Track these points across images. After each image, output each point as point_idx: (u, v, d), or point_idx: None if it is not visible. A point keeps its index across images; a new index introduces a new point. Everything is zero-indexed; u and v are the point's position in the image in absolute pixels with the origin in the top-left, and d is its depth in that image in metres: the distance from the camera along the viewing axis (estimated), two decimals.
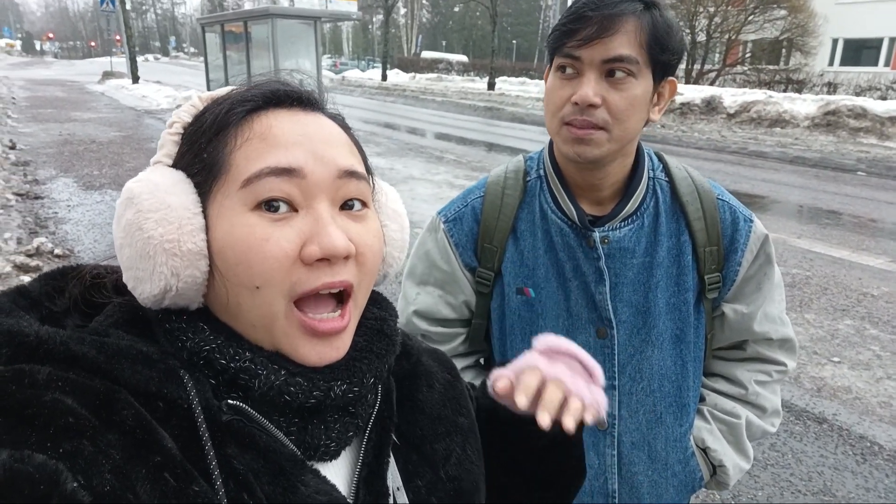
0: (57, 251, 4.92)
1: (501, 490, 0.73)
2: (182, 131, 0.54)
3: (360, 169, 0.54)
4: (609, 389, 1.06)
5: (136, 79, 22.37)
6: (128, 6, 23.90)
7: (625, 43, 0.91)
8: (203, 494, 0.43)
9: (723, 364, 1.15)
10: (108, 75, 26.72)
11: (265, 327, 0.50)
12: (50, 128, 12.09)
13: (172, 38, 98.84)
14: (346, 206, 0.53)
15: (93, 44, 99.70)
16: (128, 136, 11.45)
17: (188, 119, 0.54)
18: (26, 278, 4.17)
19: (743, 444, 1.10)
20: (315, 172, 0.50)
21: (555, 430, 0.63)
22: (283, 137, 0.50)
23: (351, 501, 0.54)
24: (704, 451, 1.09)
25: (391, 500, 0.56)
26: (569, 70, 0.95)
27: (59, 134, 11.31)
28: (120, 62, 29.73)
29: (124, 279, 0.50)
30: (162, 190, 0.49)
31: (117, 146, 10.22)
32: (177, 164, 0.53)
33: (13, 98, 17.65)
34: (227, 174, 0.50)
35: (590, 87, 0.92)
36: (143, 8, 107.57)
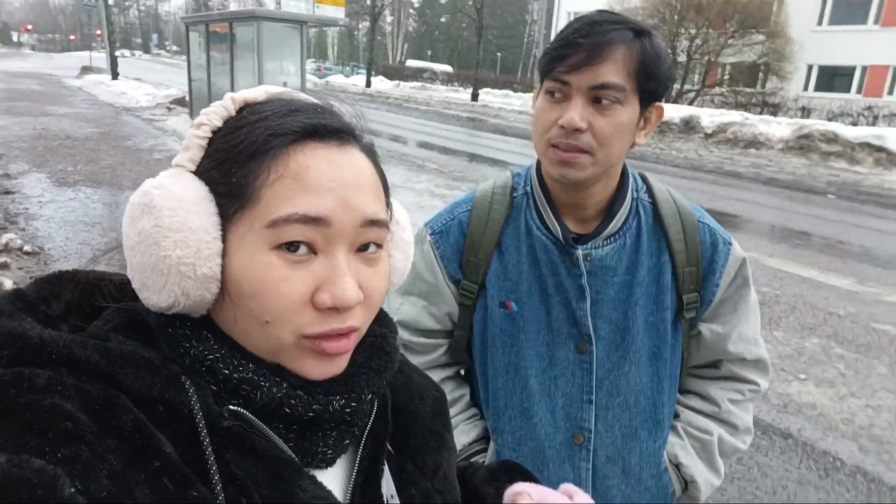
0: (26, 248, 4.81)
1: None
2: (210, 135, 0.52)
3: (384, 216, 0.54)
4: (586, 404, 1.08)
5: (115, 75, 22.04)
6: (110, 1, 23.57)
7: (613, 70, 0.93)
8: (202, 499, 0.43)
9: (698, 382, 1.18)
10: (86, 70, 26.27)
11: (271, 352, 0.51)
12: (24, 121, 11.83)
13: (155, 36, 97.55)
14: (362, 247, 0.53)
15: (72, 37, 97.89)
16: (105, 132, 11.27)
17: (218, 123, 0.52)
18: None
19: (715, 460, 1.13)
20: (342, 221, 0.49)
21: None
22: (318, 182, 0.49)
23: None
24: (677, 466, 1.12)
25: None
26: (557, 94, 0.97)
27: (33, 128, 11.08)
28: (99, 57, 29.25)
29: (129, 276, 0.50)
30: (184, 208, 0.48)
31: (93, 143, 10.05)
32: (201, 174, 0.51)
33: None
34: (255, 208, 0.48)
35: (576, 112, 0.94)
36: (126, 3, 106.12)
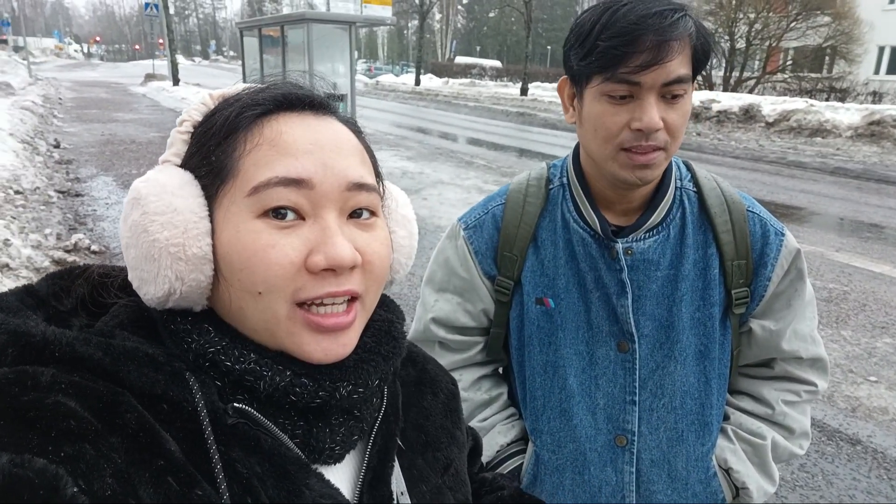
0: (94, 247, 5.06)
1: None
2: (192, 130, 0.53)
3: (370, 180, 0.53)
4: (629, 405, 1.03)
5: (176, 81, 22.97)
6: (171, 10, 24.56)
7: (681, 63, 0.89)
8: (206, 498, 0.43)
9: (749, 382, 1.12)
10: (150, 77, 27.50)
11: (268, 331, 0.49)
12: (93, 128, 12.48)
13: (213, 42, 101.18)
14: (354, 214, 0.52)
15: (137, 47, 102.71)
16: (167, 136, 11.45)
17: (199, 118, 0.54)
18: None
19: (768, 465, 1.06)
20: (324, 183, 0.49)
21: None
22: (294, 145, 0.50)
23: None
24: (727, 471, 1.06)
25: None
26: (623, 95, 0.90)
27: (101, 134, 11.67)
28: (162, 65, 30.55)
29: (129, 278, 0.50)
30: (169, 192, 0.49)
31: (156, 147, 10.49)
32: (185, 164, 0.52)
33: (60, 99, 18.29)
34: (235, 179, 0.49)
35: (654, 113, 0.89)
36: (186, 13, 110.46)
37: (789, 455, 1.07)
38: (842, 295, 4.61)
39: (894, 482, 2.59)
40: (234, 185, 0.49)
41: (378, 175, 0.58)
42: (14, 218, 5.39)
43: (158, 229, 0.47)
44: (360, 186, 0.52)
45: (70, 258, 4.70)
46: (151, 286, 0.49)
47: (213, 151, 0.51)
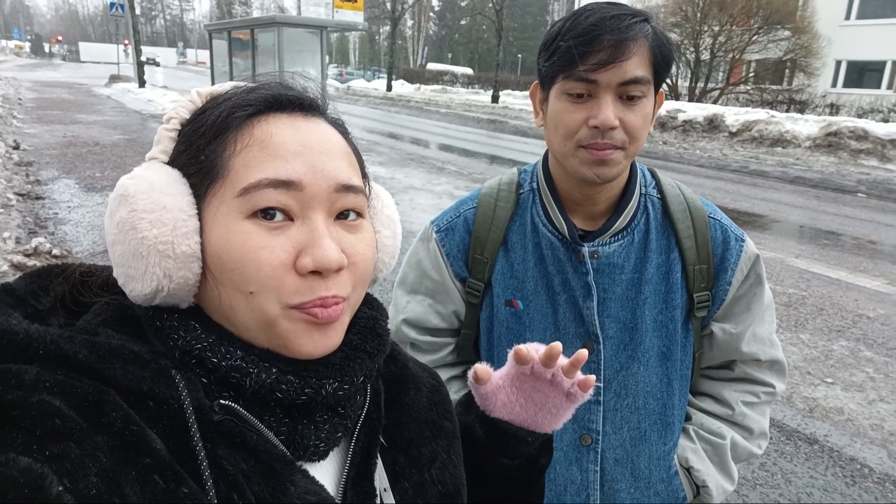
0: (55, 251, 4.92)
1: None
2: (179, 128, 0.53)
3: (358, 182, 0.54)
4: (594, 405, 1.06)
5: (142, 83, 22.50)
6: (137, 11, 24.08)
7: (638, 64, 0.92)
8: (193, 496, 0.43)
9: (710, 383, 1.15)
10: (115, 79, 26.88)
11: (261, 328, 0.50)
12: (54, 129, 12.14)
13: (180, 44, 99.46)
14: (341, 215, 0.53)
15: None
16: (132, 139, 11.49)
17: (186, 115, 0.54)
18: None
19: (727, 465, 1.09)
20: (313, 185, 0.50)
21: (519, 463, 0.70)
22: (284, 147, 0.50)
23: (339, 502, 0.54)
24: (688, 470, 1.09)
25: (378, 501, 0.56)
26: (581, 94, 0.94)
27: (63, 136, 11.35)
28: (127, 66, 29.89)
29: (115, 275, 0.50)
30: (157, 190, 0.49)
31: (121, 149, 10.25)
32: (173, 162, 0.52)
33: (20, 99, 17.74)
34: (225, 179, 0.49)
35: (609, 111, 0.92)
36: (153, 13, 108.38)
37: (748, 455, 1.11)
38: (800, 299, 4.76)
39: (849, 479, 2.69)
40: (224, 185, 0.49)
41: (364, 176, 0.59)
42: None
43: (147, 227, 0.47)
44: (347, 188, 0.52)
45: (30, 262, 4.57)
46: (139, 283, 0.48)
47: (202, 150, 0.51)
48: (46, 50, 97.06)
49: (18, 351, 0.43)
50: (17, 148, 9.60)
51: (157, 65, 52.93)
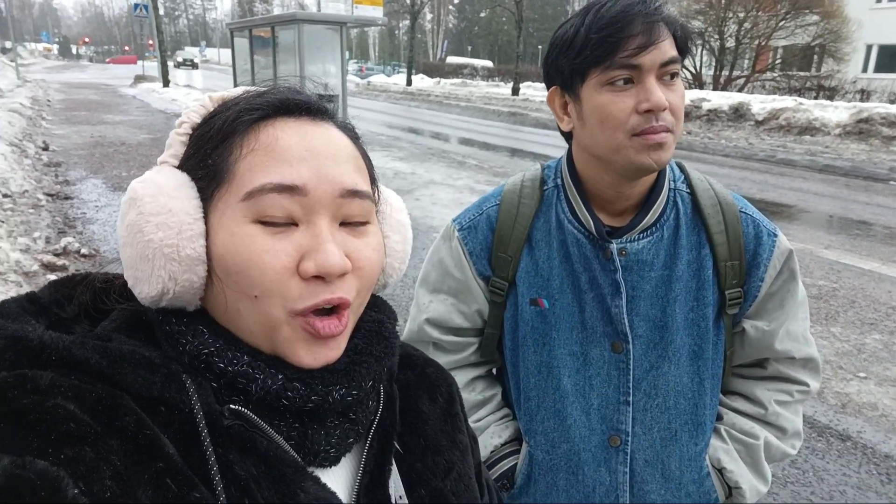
0: (83, 251, 5.02)
1: None
2: (190, 132, 0.54)
3: (365, 188, 0.54)
4: (623, 405, 1.04)
5: (166, 82, 22.85)
6: (160, 11, 24.42)
7: (671, 45, 0.92)
8: (204, 501, 0.43)
9: (742, 382, 1.12)
10: (140, 79, 27.34)
11: (265, 333, 0.50)
12: (82, 130, 12.39)
13: (203, 43, 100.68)
14: (347, 221, 0.53)
15: (126, 48, 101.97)
16: (157, 138, 11.67)
17: (197, 120, 0.54)
18: (52, 276, 4.27)
19: (761, 465, 1.07)
20: (318, 190, 0.50)
21: None
22: (289, 151, 0.50)
23: None
24: (720, 471, 1.06)
25: None
26: (624, 81, 0.92)
27: (90, 136, 11.59)
28: (152, 66, 30.36)
29: (125, 276, 0.51)
30: (164, 193, 0.49)
31: (146, 148, 10.42)
32: (183, 166, 0.53)
33: (48, 101, 18.14)
34: (230, 183, 0.50)
35: (659, 92, 0.91)
36: (176, 13, 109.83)
37: (782, 455, 1.08)
38: (831, 292, 4.65)
39: (884, 477, 2.62)
40: (230, 189, 0.50)
41: (374, 181, 0.58)
42: (2, 222, 5.34)
43: (153, 230, 0.48)
44: (353, 193, 0.52)
45: (59, 262, 4.67)
46: (145, 285, 0.49)
47: (209, 154, 0.51)
48: (74, 52, 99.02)
49: (33, 357, 0.44)
50: (46, 149, 9.82)
51: (196, 66, 50.36)
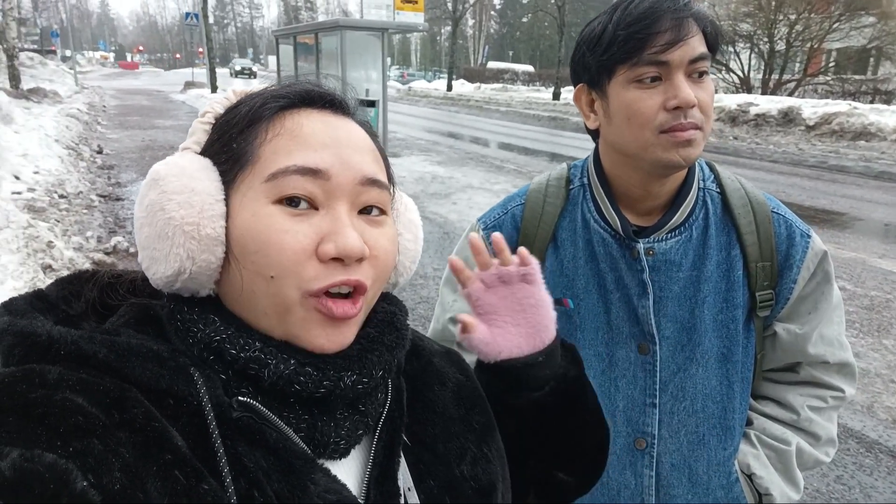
0: (132, 250, 5.22)
1: (526, 466, 0.72)
2: (213, 121, 0.56)
3: (383, 178, 0.55)
4: (649, 408, 1.02)
5: (214, 89, 23.53)
6: (210, 20, 25.22)
7: (700, 41, 0.91)
8: (213, 493, 0.43)
9: (773, 387, 1.09)
10: (189, 85, 28.25)
11: (278, 315, 0.50)
12: (134, 134, 12.88)
13: (250, 50, 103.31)
14: (364, 210, 0.54)
15: (178, 55, 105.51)
16: None
17: (221, 111, 0.56)
18: None
19: (792, 472, 1.03)
20: (339, 175, 0.51)
21: (551, 387, 0.70)
22: (313, 138, 0.52)
23: (361, 501, 0.53)
24: (750, 477, 1.03)
25: (402, 501, 0.55)
26: (652, 78, 0.91)
27: (141, 140, 12.03)
28: (201, 73, 31.36)
29: (139, 259, 0.52)
30: (187, 174, 0.50)
31: None
32: (205, 152, 0.54)
33: (104, 106, 18.91)
34: (254, 166, 0.51)
35: (688, 89, 0.90)
36: (225, 21, 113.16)
37: (815, 462, 1.05)
38: (884, 303, 4.45)
39: None
40: (253, 171, 0.51)
41: (390, 179, 0.59)
42: (58, 221, 5.60)
43: (175, 208, 0.49)
44: (372, 182, 0.53)
45: (109, 259, 4.86)
46: (162, 265, 0.50)
47: (234, 139, 0.53)
48: (129, 59, 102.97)
49: (42, 352, 0.45)
50: (100, 152, 10.25)
51: (254, 75, 47.58)
